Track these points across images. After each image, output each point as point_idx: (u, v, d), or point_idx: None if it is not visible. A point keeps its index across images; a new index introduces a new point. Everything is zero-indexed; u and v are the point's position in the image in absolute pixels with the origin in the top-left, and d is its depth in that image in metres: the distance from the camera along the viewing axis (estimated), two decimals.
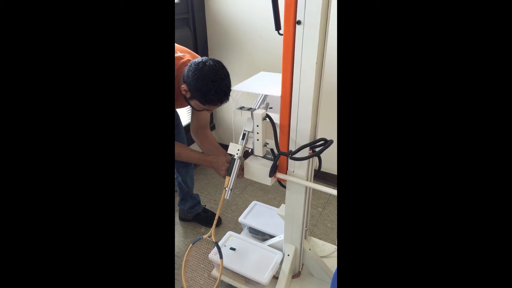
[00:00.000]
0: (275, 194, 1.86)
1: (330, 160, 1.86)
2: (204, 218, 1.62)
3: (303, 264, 1.22)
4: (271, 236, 1.29)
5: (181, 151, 1.20)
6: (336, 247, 1.32)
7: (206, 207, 1.67)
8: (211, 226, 1.64)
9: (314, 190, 1.62)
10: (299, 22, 0.78)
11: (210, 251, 1.17)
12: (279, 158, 0.99)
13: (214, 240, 1.13)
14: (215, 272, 1.21)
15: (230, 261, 1.15)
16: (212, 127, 2.25)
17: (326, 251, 1.30)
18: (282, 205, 1.15)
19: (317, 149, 0.94)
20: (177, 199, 1.64)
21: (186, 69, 1.05)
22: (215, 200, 1.82)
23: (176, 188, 1.56)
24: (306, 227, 1.15)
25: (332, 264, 1.22)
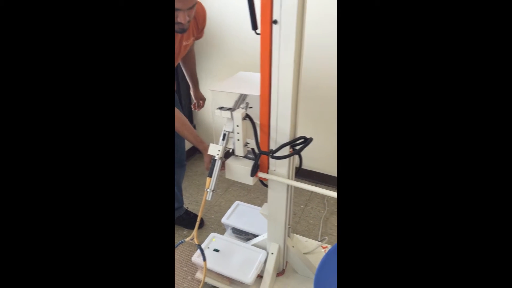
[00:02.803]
0: (257, 193, 1.86)
1: (311, 158, 1.88)
2: (186, 220, 1.60)
3: (287, 262, 1.23)
4: (255, 236, 1.29)
5: (179, 127, 1.13)
6: (318, 243, 1.34)
7: (188, 209, 1.64)
8: (193, 228, 1.62)
9: (296, 188, 1.65)
10: (275, 22, 0.79)
11: (193, 254, 1.16)
12: (260, 157, 0.99)
13: (196, 243, 1.12)
14: (199, 275, 1.19)
15: (214, 262, 1.14)
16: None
17: (309, 248, 1.32)
18: (265, 204, 1.15)
19: (297, 147, 0.95)
20: None
21: None
22: (197, 202, 1.79)
23: None
24: (289, 224, 1.16)
25: (315, 260, 1.24)
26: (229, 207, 1.44)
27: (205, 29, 1.93)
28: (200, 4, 1.19)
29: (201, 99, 1.56)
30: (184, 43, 1.18)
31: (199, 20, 1.22)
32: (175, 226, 1.61)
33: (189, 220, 1.60)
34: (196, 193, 1.87)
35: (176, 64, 1.27)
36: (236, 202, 1.46)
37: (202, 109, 1.59)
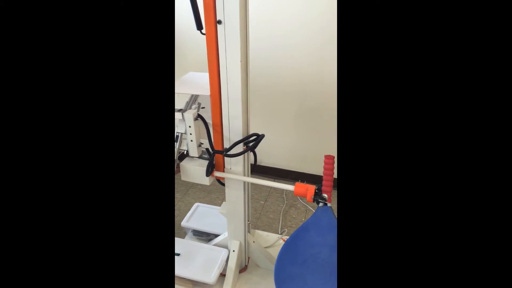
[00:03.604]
0: (218, 194, 1.86)
1: (267, 154, 1.93)
2: None
3: (249, 258, 1.26)
4: (216, 236, 1.29)
5: None
6: (278, 235, 1.39)
7: None
8: None
9: (256, 184, 1.67)
10: (219, 22, 0.80)
11: None
12: (215, 156, 1.00)
13: None
14: None
15: (175, 267, 1.12)
16: None
17: (270, 241, 1.35)
18: (224, 203, 1.16)
19: (250, 144, 0.97)
20: None
21: None
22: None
23: None
24: (248, 221, 1.18)
25: (276, 252, 1.27)
26: (189, 210, 1.42)
27: None
28: None
29: None
30: None
31: None
32: None
33: None
34: None
35: None
36: (196, 204, 1.45)
37: None
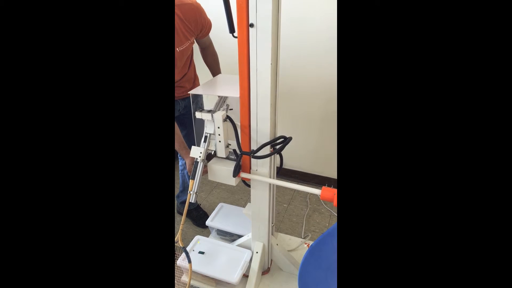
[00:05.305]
0: (241, 194, 1.87)
1: (291, 157, 1.92)
2: (195, 216, 1.64)
3: (271, 260, 1.26)
4: (240, 236, 1.30)
5: None
6: (302, 240, 1.37)
7: (200, 206, 1.69)
8: (200, 225, 1.62)
9: (279, 187, 1.67)
10: (252, 25, 0.81)
11: (178, 257, 1.15)
12: (242, 157, 1.01)
13: (181, 245, 1.12)
14: (185, 278, 1.19)
15: (199, 265, 1.14)
16: None
17: (293, 245, 1.35)
18: (248, 204, 1.17)
19: (277, 147, 0.97)
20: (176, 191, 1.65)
21: None
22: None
23: (179, 180, 1.57)
24: (272, 223, 1.18)
25: (299, 256, 1.26)
26: (213, 209, 1.45)
27: None
28: (189, 5, 1.16)
29: None
30: (178, 49, 1.15)
31: (190, 22, 1.18)
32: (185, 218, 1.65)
33: (198, 216, 1.63)
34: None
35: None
36: (220, 204, 1.47)
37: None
